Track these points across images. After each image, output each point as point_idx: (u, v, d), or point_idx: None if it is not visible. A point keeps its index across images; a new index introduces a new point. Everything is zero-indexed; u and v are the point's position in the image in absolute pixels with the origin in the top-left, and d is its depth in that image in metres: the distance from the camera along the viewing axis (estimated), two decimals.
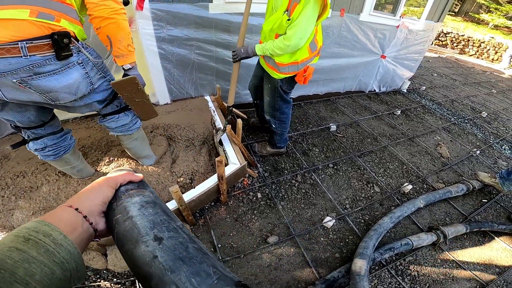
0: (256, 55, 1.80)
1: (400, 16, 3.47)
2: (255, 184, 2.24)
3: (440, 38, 11.02)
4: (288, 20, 1.54)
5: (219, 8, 2.24)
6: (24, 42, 0.94)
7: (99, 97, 1.35)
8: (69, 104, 1.24)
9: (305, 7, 1.46)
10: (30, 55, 0.97)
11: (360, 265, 1.59)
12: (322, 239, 1.93)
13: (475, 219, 2.32)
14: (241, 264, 1.70)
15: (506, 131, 4.13)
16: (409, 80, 4.77)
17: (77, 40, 1.12)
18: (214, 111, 2.39)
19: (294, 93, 3.47)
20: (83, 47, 1.15)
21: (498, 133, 3.98)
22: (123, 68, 1.36)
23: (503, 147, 3.61)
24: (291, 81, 1.93)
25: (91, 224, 0.41)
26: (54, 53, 1.03)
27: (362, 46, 3.47)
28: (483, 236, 2.19)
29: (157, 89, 2.44)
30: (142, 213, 0.42)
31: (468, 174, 2.88)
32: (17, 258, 0.29)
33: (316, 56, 1.89)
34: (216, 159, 1.55)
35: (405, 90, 4.83)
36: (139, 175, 0.52)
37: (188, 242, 0.39)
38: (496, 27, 13.26)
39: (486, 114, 4.53)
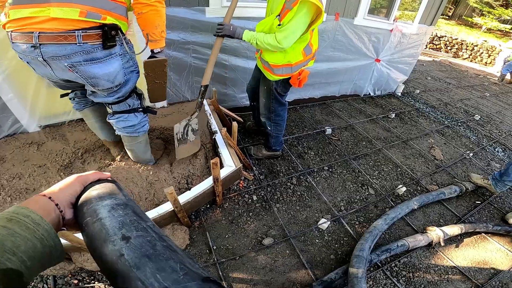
0: (241, 39, 1.75)
1: (393, 20, 3.53)
2: (251, 186, 2.25)
3: (434, 42, 11.18)
4: (279, 25, 1.58)
5: (216, 12, 2.27)
6: (80, 31, 1.07)
7: (128, 88, 1.44)
8: (106, 92, 1.36)
9: (296, 15, 1.50)
10: (83, 43, 1.10)
11: (357, 267, 1.60)
12: (317, 241, 1.95)
13: (469, 220, 2.35)
14: (237, 266, 1.71)
15: (499, 133, 4.20)
16: (403, 83, 4.83)
17: (122, 34, 1.23)
18: (210, 114, 2.40)
19: (290, 97, 3.50)
20: (125, 40, 1.26)
21: (491, 136, 4.04)
22: (152, 51, 1.44)
23: (496, 150, 3.67)
24: (286, 84, 1.96)
25: (61, 212, 0.45)
26: (101, 43, 1.15)
27: (357, 50, 3.52)
28: (477, 237, 2.22)
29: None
30: (111, 215, 0.43)
31: (461, 176, 2.92)
32: (4, 233, 0.33)
33: (311, 59, 1.92)
34: (211, 161, 1.57)
35: (399, 94, 4.89)
36: (107, 174, 0.57)
37: (157, 240, 0.40)
38: (489, 30, 13.47)
39: (479, 117, 4.60)
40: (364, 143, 3.15)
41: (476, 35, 12.01)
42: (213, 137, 2.22)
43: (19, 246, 0.33)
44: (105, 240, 0.39)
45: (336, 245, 1.94)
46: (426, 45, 11.03)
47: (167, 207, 1.61)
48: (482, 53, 10.43)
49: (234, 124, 1.97)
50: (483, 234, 2.24)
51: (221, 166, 2.01)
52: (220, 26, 1.76)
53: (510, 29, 12.18)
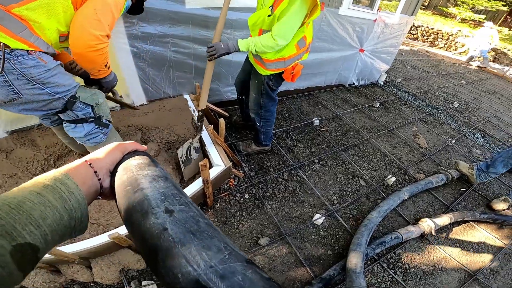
0: (238, 50, 1.67)
1: (377, 10, 3.50)
2: (242, 184, 2.17)
3: (411, 32, 11.43)
4: (269, 16, 1.48)
5: (196, 2, 2.11)
6: None
7: (37, 106, 1.30)
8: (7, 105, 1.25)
9: (292, 5, 1.40)
10: None
11: (355, 262, 1.59)
12: (313, 237, 1.92)
13: (456, 208, 2.40)
14: None
15: (477, 120, 4.36)
16: (385, 73, 4.88)
17: (12, 50, 1.10)
18: (194, 110, 2.28)
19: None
20: (15, 58, 1.12)
21: (470, 122, 4.18)
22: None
23: (475, 136, 3.80)
24: (278, 78, 1.87)
25: (99, 180, 0.44)
26: None
27: (342, 40, 3.48)
28: (465, 226, 2.27)
29: (131, 90, 2.28)
30: (153, 186, 0.41)
31: (446, 163, 2.99)
32: (36, 201, 0.32)
33: (306, 52, 1.84)
34: (200, 163, 1.47)
35: (382, 83, 4.94)
36: (144, 146, 0.56)
37: (199, 217, 0.38)
38: (463, 20, 13.95)
39: (458, 104, 4.75)
40: (351, 133, 3.14)
41: (451, 25, 12.40)
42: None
43: (46, 218, 0.32)
44: (146, 212, 0.36)
45: (332, 240, 1.92)
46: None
47: None
48: (456, 42, 10.80)
49: (221, 121, 1.86)
50: (470, 222, 2.30)
51: (210, 165, 1.92)
52: (210, 48, 1.64)
53: (483, 19, 12.67)
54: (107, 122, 1.60)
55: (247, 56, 2.06)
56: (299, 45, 1.70)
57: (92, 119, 1.49)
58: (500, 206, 2.46)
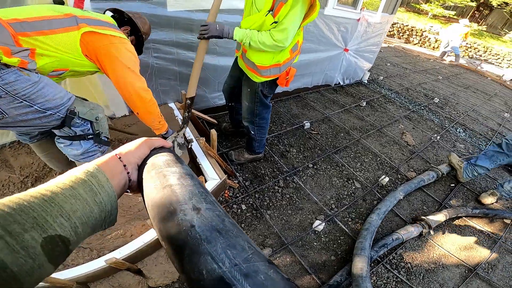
0: (231, 38, 1.53)
1: (360, 9, 3.52)
2: (238, 195, 2.08)
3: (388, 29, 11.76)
4: (275, 22, 1.38)
5: (179, 5, 1.99)
6: None
7: (29, 125, 1.18)
8: None
9: (293, 8, 1.32)
10: None
11: (360, 266, 1.56)
12: (315, 243, 1.87)
13: (449, 204, 2.44)
14: None
15: (458, 114, 4.51)
16: (368, 71, 4.95)
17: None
18: (181, 119, 2.15)
19: None
20: None
21: (451, 117, 4.32)
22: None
23: (457, 130, 3.92)
24: (272, 84, 1.79)
25: (128, 173, 0.45)
26: None
27: (327, 40, 3.46)
28: (460, 222, 2.31)
29: (111, 101, 2.12)
30: (181, 183, 0.41)
31: (433, 160, 3.05)
32: (67, 194, 0.33)
33: (297, 55, 1.77)
34: None
35: (366, 81, 5.01)
36: (170, 143, 0.57)
37: (225, 216, 0.38)
38: (434, 16, 14.56)
39: (438, 100, 4.90)
40: (342, 134, 3.13)
41: (423, 21, 12.89)
42: (190, 146, 1.99)
43: (76, 211, 0.33)
44: (175, 208, 0.37)
45: (335, 245, 1.89)
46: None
47: (151, 235, 1.40)
48: (430, 38, 11.24)
49: (213, 132, 1.76)
50: (464, 217, 2.34)
51: (204, 179, 1.82)
52: (204, 26, 1.50)
53: (453, 15, 13.26)
54: (106, 139, 1.49)
55: (235, 61, 1.96)
56: (292, 49, 1.63)
57: (90, 136, 1.38)
58: (488, 200, 2.52)
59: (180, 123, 1.94)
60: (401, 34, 11.71)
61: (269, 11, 1.37)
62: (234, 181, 2.15)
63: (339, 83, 4.50)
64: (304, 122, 3.10)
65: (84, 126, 1.34)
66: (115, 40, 1.29)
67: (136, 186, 0.47)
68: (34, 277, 0.28)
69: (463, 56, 10.69)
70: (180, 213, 0.36)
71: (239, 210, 1.98)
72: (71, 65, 1.23)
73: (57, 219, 0.31)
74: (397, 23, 11.64)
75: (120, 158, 0.45)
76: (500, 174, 3.14)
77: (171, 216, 0.37)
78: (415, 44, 11.55)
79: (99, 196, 0.37)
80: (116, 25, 1.41)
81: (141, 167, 0.47)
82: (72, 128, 1.30)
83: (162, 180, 0.42)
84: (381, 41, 4.53)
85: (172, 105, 2.47)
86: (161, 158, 0.48)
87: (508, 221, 2.42)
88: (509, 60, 11.59)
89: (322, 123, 3.27)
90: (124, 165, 0.45)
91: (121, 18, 1.51)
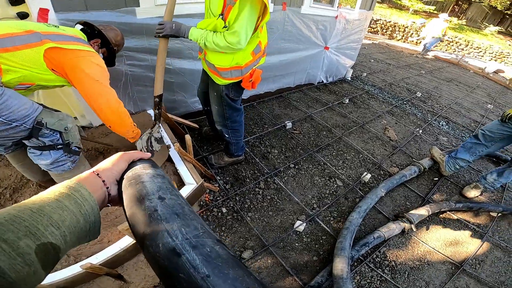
0: (186, 37, 1.53)
1: (337, 6, 3.55)
2: (218, 198, 2.06)
3: (371, 25, 11.90)
4: (225, 27, 1.39)
5: (149, 12, 1.96)
6: None
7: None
8: None
9: (242, 11, 1.31)
10: None
11: (340, 267, 1.56)
12: (296, 244, 1.87)
13: (432, 199, 2.46)
14: None
15: (440, 107, 4.59)
16: (351, 68, 4.99)
17: None
18: (160, 125, 2.12)
19: (245, 94, 3.34)
20: None
21: (434, 111, 4.39)
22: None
23: (440, 123, 3.98)
24: (237, 88, 1.76)
25: (107, 188, 0.48)
26: None
27: (306, 39, 3.48)
28: (443, 216, 2.32)
29: (86, 109, 2.08)
30: (152, 180, 0.49)
31: (416, 154, 3.08)
32: (54, 206, 0.36)
33: (262, 56, 1.76)
34: None
35: (349, 78, 5.04)
36: (148, 154, 0.60)
37: (185, 205, 0.46)
38: (416, 12, 14.83)
39: (420, 94, 4.97)
40: (324, 132, 3.14)
41: (405, 17, 13.11)
42: (168, 150, 1.97)
43: (64, 221, 0.35)
44: (143, 197, 0.44)
45: (316, 246, 1.88)
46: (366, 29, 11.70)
47: (128, 241, 1.40)
48: (412, 34, 11.43)
49: (187, 137, 1.74)
50: (447, 212, 2.35)
51: (182, 183, 1.80)
52: (160, 25, 1.51)
53: (433, 10, 13.52)
54: (77, 149, 1.47)
55: (202, 65, 1.95)
56: (254, 51, 1.62)
57: (60, 146, 1.37)
58: (472, 193, 2.54)
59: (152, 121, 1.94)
60: (384, 31, 11.87)
61: (220, 15, 1.36)
62: (215, 185, 2.13)
63: (322, 81, 4.52)
64: (286, 122, 3.09)
65: (53, 136, 1.33)
66: (81, 54, 1.29)
67: (117, 200, 0.50)
68: (28, 284, 0.29)
69: (446, 50, 10.90)
70: (147, 201, 0.43)
71: (219, 214, 1.96)
72: (37, 80, 1.24)
73: (48, 227, 0.32)
74: (380, 19, 11.80)
75: (98, 174, 0.47)
76: (485, 166, 3.20)
77: (140, 204, 0.44)
78: (398, 40, 11.73)
79: (83, 208, 0.39)
80: (85, 38, 1.42)
81: (120, 181, 0.51)
82: (40, 138, 1.29)
83: (137, 178, 0.49)
84: (361, 38, 4.57)
85: (151, 111, 2.43)
86: (139, 164, 0.54)
87: (494, 214, 2.42)
88: (491, 53, 11.89)
89: (304, 122, 3.28)
90: (103, 181, 0.47)
91: (92, 31, 1.49)
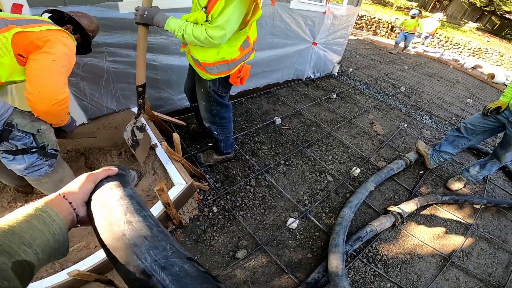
0: (162, 27, 1.43)
1: (326, 2, 3.54)
2: (208, 198, 2.02)
3: (356, 22, 12.04)
4: (207, 21, 1.32)
5: (133, 6, 1.86)
6: None
7: None
8: None
9: (229, 5, 1.25)
10: None
11: (336, 264, 1.56)
12: (290, 242, 1.86)
13: (419, 192, 2.52)
14: None
15: (423, 102, 4.71)
16: (338, 63, 5.02)
17: None
18: (145, 124, 2.04)
19: (233, 90, 3.26)
20: None
21: (417, 105, 4.50)
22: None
23: (423, 118, 4.09)
24: (225, 83, 1.71)
25: (74, 209, 0.48)
26: None
27: (295, 34, 3.45)
28: (430, 209, 2.38)
29: None
30: (119, 203, 0.49)
31: (402, 148, 3.15)
32: (24, 226, 0.37)
33: (252, 52, 1.71)
34: (155, 188, 1.29)
35: (336, 74, 5.08)
36: (114, 169, 0.59)
37: (153, 226, 0.46)
38: (399, 8, 15.11)
39: (404, 89, 5.08)
40: (313, 128, 3.15)
41: (389, 13, 13.33)
42: (154, 150, 1.90)
43: (35, 239, 0.37)
44: (112, 223, 0.45)
45: (310, 242, 1.88)
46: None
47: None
48: (395, 30, 11.65)
49: (175, 135, 1.68)
50: (434, 205, 2.40)
51: (171, 183, 1.74)
52: (136, 11, 1.43)
53: (415, 7, 13.82)
54: (54, 152, 1.37)
55: (188, 60, 1.88)
56: (242, 46, 1.56)
57: (34, 150, 1.27)
58: (455, 186, 2.61)
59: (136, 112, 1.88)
60: (369, 27, 12.04)
61: (204, 7, 1.30)
62: (205, 184, 2.08)
63: (310, 76, 4.52)
64: (275, 118, 3.07)
65: (26, 139, 1.23)
66: (50, 33, 1.18)
67: (87, 220, 0.51)
68: None
69: (427, 45, 11.20)
70: (115, 226, 0.44)
71: (210, 213, 1.92)
72: (5, 72, 1.12)
73: (20, 246, 0.34)
74: (365, 15, 11.95)
75: (64, 196, 0.48)
76: (467, 159, 3.31)
77: (108, 229, 0.45)
78: (382, 36, 11.94)
79: (52, 227, 0.40)
80: (53, 24, 1.29)
81: (89, 202, 0.51)
82: (11, 141, 1.20)
83: (105, 202, 0.49)
84: (348, 33, 4.60)
85: (135, 109, 2.33)
86: (106, 188, 0.53)
87: (477, 206, 2.50)
88: (469, 49, 12.33)
89: (293, 117, 3.27)
90: (70, 203, 0.48)
91: (62, 19, 1.39)
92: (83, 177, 0.54)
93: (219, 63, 1.54)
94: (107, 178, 0.57)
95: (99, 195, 0.51)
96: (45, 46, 1.15)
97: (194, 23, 1.37)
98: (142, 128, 1.82)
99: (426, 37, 9.06)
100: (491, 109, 2.26)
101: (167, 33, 2.11)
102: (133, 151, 1.77)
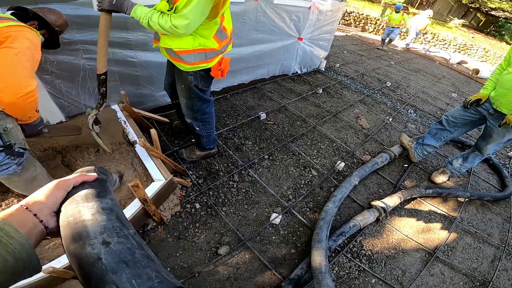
0: (128, 14, 1.40)
1: None
2: (191, 194, 2.00)
3: (345, 18, 12.11)
4: (170, 10, 1.31)
5: None
6: None
7: None
8: None
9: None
10: None
11: (319, 261, 1.54)
12: (273, 237, 1.85)
13: (403, 186, 2.54)
14: (199, 284, 1.52)
15: (408, 96, 4.77)
16: (325, 59, 5.04)
17: None
18: (125, 121, 2.01)
19: (218, 86, 3.26)
20: None
21: (402, 99, 4.55)
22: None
23: (409, 111, 4.14)
24: (206, 77, 1.69)
25: (41, 221, 0.44)
26: None
27: (280, 30, 3.44)
28: (414, 203, 2.39)
29: (42, 107, 1.88)
30: (95, 218, 0.42)
31: (387, 141, 3.18)
32: None
33: (229, 43, 1.70)
34: (129, 184, 1.26)
35: (323, 69, 5.09)
36: (92, 175, 0.53)
37: (136, 248, 0.40)
38: (386, 4, 15.23)
39: (390, 83, 5.14)
40: (298, 122, 3.15)
41: (377, 9, 13.44)
42: (134, 147, 1.86)
43: None
44: (84, 242, 0.39)
45: (294, 238, 1.88)
46: (339, 21, 11.90)
47: None
48: (383, 26, 11.77)
49: (152, 131, 1.65)
50: (418, 199, 2.42)
51: (152, 180, 1.72)
52: None
53: (402, 2, 13.99)
54: (21, 151, 1.34)
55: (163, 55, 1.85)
56: (219, 37, 1.54)
57: (0, 149, 1.25)
58: (440, 178, 2.64)
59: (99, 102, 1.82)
60: (357, 23, 12.13)
61: None
62: (187, 180, 2.06)
63: (297, 72, 4.53)
64: (260, 113, 3.06)
65: None
66: (13, 29, 1.15)
67: (58, 232, 0.46)
68: None
69: (414, 42, 11.36)
70: (89, 247, 0.38)
71: (192, 210, 1.90)
72: None
73: None
74: (353, 12, 12.02)
75: (27, 208, 0.44)
76: (451, 152, 3.37)
77: (81, 250, 0.38)
78: (370, 32, 12.04)
79: (10, 246, 0.37)
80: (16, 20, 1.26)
81: (59, 213, 0.46)
82: None
83: (77, 215, 0.43)
84: (334, 29, 4.61)
85: (115, 106, 2.28)
86: (81, 193, 0.47)
87: (461, 200, 2.51)
88: (455, 45, 12.56)
89: (278, 112, 3.26)
90: (35, 214, 0.43)
91: (27, 15, 1.35)
92: (51, 184, 0.49)
93: (196, 50, 1.51)
94: (83, 185, 0.51)
95: (70, 207, 0.45)
96: (6, 41, 1.12)
97: (161, 12, 1.36)
98: (97, 121, 1.75)
99: (417, 34, 9.13)
100: (471, 101, 2.29)
101: (145, 29, 2.07)
102: (100, 141, 1.75)
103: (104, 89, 1.67)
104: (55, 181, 0.49)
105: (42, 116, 1.97)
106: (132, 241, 0.42)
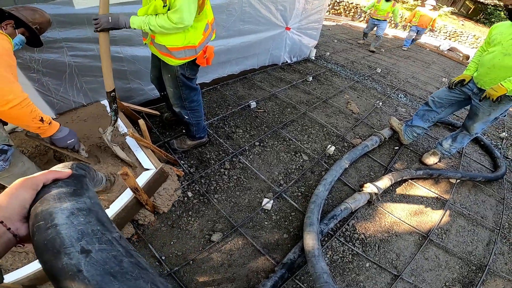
0: (129, 27, 1.47)
1: None
2: (183, 183, 2.03)
3: (335, 7, 12.06)
4: (164, 6, 1.35)
5: (87, 2, 1.83)
6: None
7: None
8: None
9: None
10: None
11: (311, 244, 1.56)
12: (266, 223, 1.89)
13: (394, 168, 2.57)
14: (193, 271, 1.56)
15: (398, 82, 4.80)
16: (315, 48, 5.04)
17: None
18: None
19: (208, 77, 3.27)
20: None
21: (393, 85, 4.59)
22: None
23: (399, 96, 4.18)
24: (192, 65, 1.73)
25: (9, 229, 0.39)
26: None
27: (267, 20, 3.44)
28: (406, 185, 2.40)
29: None
30: (70, 222, 0.36)
31: (377, 125, 3.22)
32: None
33: (212, 33, 1.73)
34: (119, 173, 1.29)
35: (313, 58, 5.10)
36: (66, 171, 0.47)
37: (124, 256, 0.35)
38: None
39: (380, 70, 5.17)
40: (289, 109, 3.18)
41: None
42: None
43: None
44: (59, 251, 0.33)
45: (286, 223, 1.91)
46: (329, 11, 11.84)
47: None
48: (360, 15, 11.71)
49: (140, 122, 1.68)
50: (409, 180, 2.43)
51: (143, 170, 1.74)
52: (95, 20, 1.41)
53: None
54: (6, 148, 1.34)
55: (151, 50, 1.87)
56: (204, 30, 1.61)
57: None
58: (430, 160, 2.68)
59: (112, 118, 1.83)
60: (347, 12, 12.09)
61: None
62: (179, 169, 2.09)
63: (287, 61, 4.54)
64: (250, 102, 3.09)
65: None
66: None
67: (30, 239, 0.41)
68: None
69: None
70: (65, 256, 0.32)
71: (185, 198, 1.94)
72: None
73: None
74: (343, 1, 11.97)
75: None
76: (442, 133, 3.41)
77: (55, 260, 0.32)
78: (360, 21, 11.99)
79: None
80: None
81: (29, 216, 0.41)
82: None
83: (48, 219, 0.36)
84: (321, 18, 4.61)
85: (105, 102, 2.30)
86: (53, 192, 0.41)
87: (453, 181, 2.50)
88: (445, 33, 12.60)
89: (268, 100, 3.29)
90: (1, 222, 0.38)
91: (2, 15, 1.34)
92: (15, 183, 0.42)
93: (187, 47, 1.58)
94: (56, 183, 0.44)
95: (40, 209, 0.38)
96: None
97: (155, 15, 1.41)
98: (112, 141, 1.75)
99: (418, 32, 7.44)
100: (455, 82, 2.34)
101: None
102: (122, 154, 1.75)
103: (115, 105, 1.69)
104: (19, 180, 0.42)
105: None
106: (118, 247, 0.36)
